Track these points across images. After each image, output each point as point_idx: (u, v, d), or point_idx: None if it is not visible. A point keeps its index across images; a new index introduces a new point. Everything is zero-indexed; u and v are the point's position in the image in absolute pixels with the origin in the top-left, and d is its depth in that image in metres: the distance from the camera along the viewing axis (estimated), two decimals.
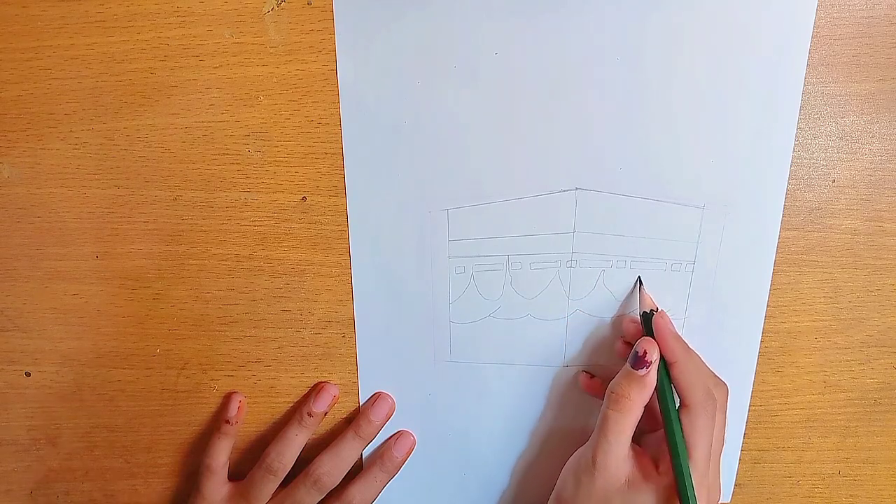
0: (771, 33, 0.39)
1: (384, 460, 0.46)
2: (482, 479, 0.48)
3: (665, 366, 0.40)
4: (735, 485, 0.49)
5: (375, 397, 0.46)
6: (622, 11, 0.38)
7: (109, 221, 0.43)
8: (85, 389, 0.46)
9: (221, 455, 0.45)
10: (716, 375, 0.41)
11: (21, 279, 0.44)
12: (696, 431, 0.38)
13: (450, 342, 0.45)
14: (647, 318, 0.41)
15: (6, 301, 0.44)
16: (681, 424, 0.38)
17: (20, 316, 0.44)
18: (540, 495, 0.48)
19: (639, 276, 0.43)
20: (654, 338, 0.40)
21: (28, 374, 0.46)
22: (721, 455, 0.41)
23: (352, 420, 0.46)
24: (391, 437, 0.47)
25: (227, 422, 0.45)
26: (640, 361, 0.39)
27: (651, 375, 0.39)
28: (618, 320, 0.44)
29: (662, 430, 0.42)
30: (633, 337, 0.42)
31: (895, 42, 0.40)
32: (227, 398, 0.46)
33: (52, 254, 0.43)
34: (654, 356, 0.39)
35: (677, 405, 0.40)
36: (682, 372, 0.39)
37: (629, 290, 0.44)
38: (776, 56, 0.39)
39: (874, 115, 0.41)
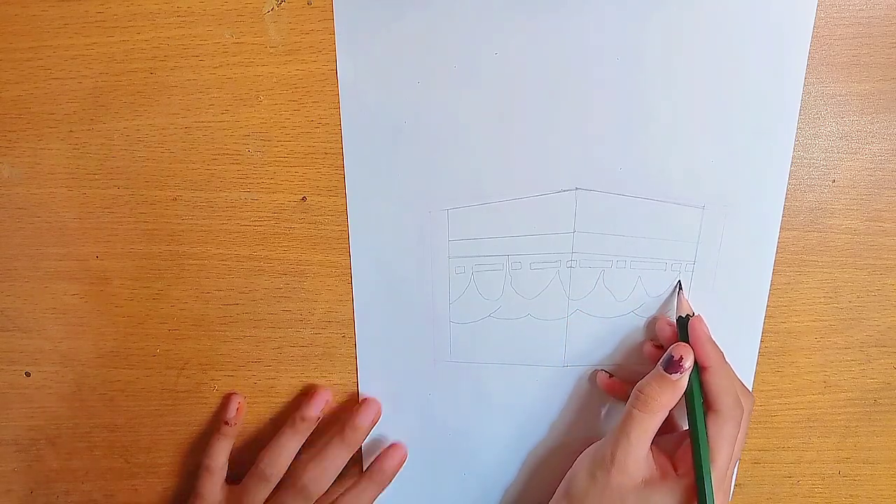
0: (771, 33, 0.39)
1: (374, 473, 0.45)
2: (482, 479, 0.48)
3: (697, 370, 0.40)
4: (735, 485, 0.49)
5: (361, 402, 0.46)
6: (622, 11, 0.38)
7: (109, 221, 0.43)
8: (85, 389, 0.46)
9: (220, 456, 0.45)
10: (744, 385, 0.41)
11: (21, 279, 0.44)
12: (722, 437, 0.38)
13: (450, 342, 0.45)
14: (684, 322, 0.41)
15: (6, 301, 0.44)
16: (706, 429, 0.39)
17: (20, 316, 0.44)
18: (540, 495, 0.48)
19: (679, 281, 0.43)
20: (688, 343, 0.40)
21: (28, 374, 0.46)
22: (738, 461, 0.41)
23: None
24: (383, 449, 0.46)
25: (226, 423, 0.45)
26: (673, 366, 0.39)
27: (683, 380, 0.39)
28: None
29: (677, 432, 0.42)
30: (667, 340, 0.42)
31: (895, 42, 0.40)
32: (227, 399, 0.46)
33: (52, 254, 0.43)
34: (688, 362, 0.39)
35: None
36: (714, 378, 0.39)
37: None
38: (776, 56, 0.39)
39: (874, 115, 0.41)
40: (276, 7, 0.39)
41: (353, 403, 0.46)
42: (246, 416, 0.46)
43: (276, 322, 0.45)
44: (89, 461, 0.48)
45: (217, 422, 0.46)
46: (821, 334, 0.45)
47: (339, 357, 0.46)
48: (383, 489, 0.46)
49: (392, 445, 0.46)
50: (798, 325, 0.45)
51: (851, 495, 0.49)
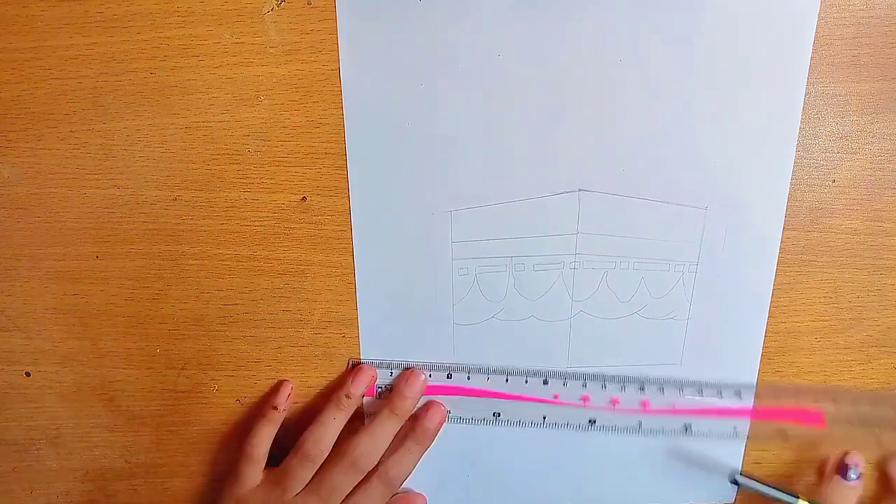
0: (773, 35, 0.39)
1: (417, 432, 0.45)
2: (485, 481, 0.48)
3: None
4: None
5: (408, 374, 0.45)
6: (625, 12, 0.38)
7: (109, 221, 0.42)
8: (85, 389, 0.46)
9: (263, 443, 0.44)
10: None
11: (21, 279, 0.44)
12: None
13: (453, 344, 0.45)
14: None
15: (6, 301, 0.44)
16: None
17: (20, 316, 0.44)
18: (543, 497, 0.48)
19: None
20: None
21: (28, 374, 0.46)
22: None
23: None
24: (421, 408, 0.46)
25: (274, 408, 0.44)
26: None
27: None
28: None
29: None
30: None
31: (895, 42, 0.40)
32: (278, 385, 0.45)
33: (52, 254, 0.43)
34: None
35: None
36: None
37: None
38: (779, 57, 0.39)
39: (874, 115, 0.41)
40: (276, 7, 0.38)
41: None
42: (245, 416, 0.46)
43: (276, 322, 0.45)
44: (89, 461, 0.48)
45: (264, 407, 0.45)
46: (821, 334, 0.46)
47: (340, 357, 0.46)
48: (426, 449, 0.45)
49: (431, 402, 0.46)
50: (798, 325, 0.45)
51: None
